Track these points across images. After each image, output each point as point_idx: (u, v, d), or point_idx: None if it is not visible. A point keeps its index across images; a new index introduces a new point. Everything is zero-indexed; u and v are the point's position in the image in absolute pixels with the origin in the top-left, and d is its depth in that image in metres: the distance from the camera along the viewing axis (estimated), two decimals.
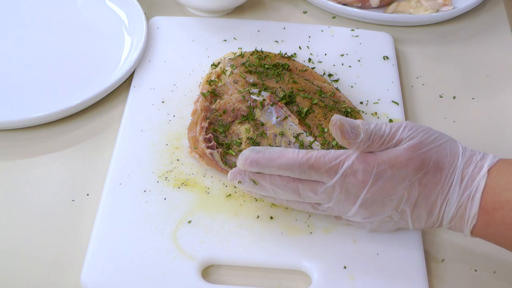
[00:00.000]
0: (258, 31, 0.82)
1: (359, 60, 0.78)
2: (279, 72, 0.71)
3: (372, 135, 0.54)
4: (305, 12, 0.89)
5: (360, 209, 0.56)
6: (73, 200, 0.63)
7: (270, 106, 0.66)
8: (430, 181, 0.54)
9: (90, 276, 0.55)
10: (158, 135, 0.68)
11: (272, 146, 0.65)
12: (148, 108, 0.70)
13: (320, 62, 0.78)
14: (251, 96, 0.67)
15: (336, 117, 0.54)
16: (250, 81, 0.69)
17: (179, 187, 0.63)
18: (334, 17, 0.88)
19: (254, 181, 0.57)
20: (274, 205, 0.62)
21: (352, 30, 0.83)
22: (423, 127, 0.56)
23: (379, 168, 0.54)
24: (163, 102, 0.71)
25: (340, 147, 0.63)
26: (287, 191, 0.57)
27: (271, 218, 0.61)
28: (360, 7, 0.87)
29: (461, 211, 0.54)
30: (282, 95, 0.68)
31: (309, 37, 0.82)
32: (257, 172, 0.57)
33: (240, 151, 0.64)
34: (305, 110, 0.67)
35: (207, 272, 0.58)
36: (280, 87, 0.69)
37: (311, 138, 0.64)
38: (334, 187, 0.55)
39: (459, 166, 0.54)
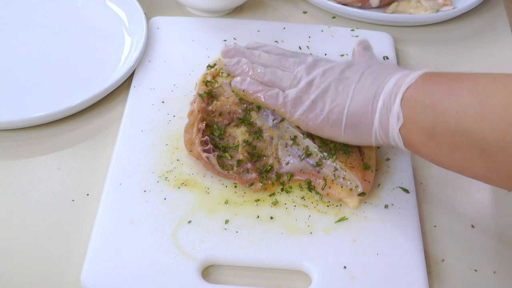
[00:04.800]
0: (258, 31, 0.82)
1: None
2: None
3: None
4: (305, 12, 0.89)
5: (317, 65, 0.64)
6: (73, 200, 0.63)
7: (266, 109, 0.66)
8: (382, 66, 0.62)
9: (90, 276, 0.55)
10: (158, 135, 0.68)
11: (269, 149, 0.65)
12: (148, 108, 0.70)
13: None
14: None
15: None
16: None
17: (179, 187, 0.63)
18: (334, 17, 0.88)
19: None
20: (274, 205, 0.62)
21: (352, 30, 0.83)
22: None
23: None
24: (163, 102, 0.71)
25: (338, 148, 0.63)
26: (271, 57, 0.67)
27: (271, 218, 0.61)
28: (360, 7, 0.87)
29: (403, 77, 0.58)
30: None
31: (309, 37, 0.82)
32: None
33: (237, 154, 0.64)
34: None
35: (207, 272, 0.58)
36: None
37: (308, 140, 0.64)
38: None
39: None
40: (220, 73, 0.71)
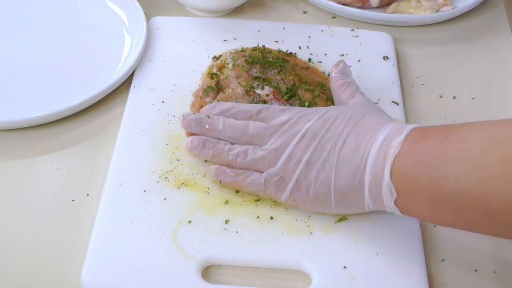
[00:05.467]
0: (258, 31, 0.82)
1: (359, 60, 0.78)
2: (282, 65, 0.71)
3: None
4: (305, 12, 0.89)
5: (300, 141, 0.58)
6: (73, 200, 0.63)
7: (272, 102, 0.66)
8: (364, 123, 0.58)
9: (90, 276, 0.55)
10: (158, 135, 0.68)
11: None
12: (148, 108, 0.70)
13: (320, 62, 0.78)
14: (254, 90, 0.67)
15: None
16: (253, 74, 0.69)
17: (179, 187, 0.63)
18: (334, 17, 0.88)
19: (208, 115, 0.63)
20: (274, 205, 0.62)
21: (352, 30, 0.83)
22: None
23: (329, 109, 0.60)
24: (163, 102, 0.71)
25: None
26: (236, 125, 0.61)
27: (271, 218, 0.61)
28: (360, 7, 0.87)
29: (386, 144, 0.54)
30: (285, 90, 0.67)
31: (309, 37, 0.82)
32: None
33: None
34: (307, 104, 0.66)
35: (207, 272, 0.58)
36: (281, 79, 0.69)
37: None
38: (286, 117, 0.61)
39: (390, 122, 0.58)
40: (226, 65, 0.71)
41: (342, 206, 0.58)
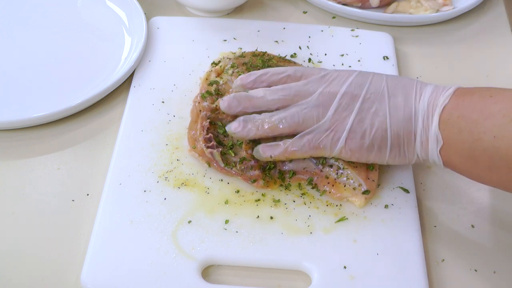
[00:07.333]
0: (258, 31, 0.82)
1: (359, 60, 0.78)
2: None
3: None
4: (305, 12, 0.89)
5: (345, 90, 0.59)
6: (73, 200, 0.63)
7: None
8: (401, 79, 0.61)
9: (90, 276, 0.55)
10: (158, 135, 0.68)
11: None
12: (148, 108, 0.70)
13: (320, 62, 0.78)
14: None
15: None
16: None
17: (179, 187, 0.63)
18: (334, 17, 0.88)
19: (246, 90, 0.62)
20: (274, 205, 0.62)
21: (352, 30, 0.83)
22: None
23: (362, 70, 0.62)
24: (163, 102, 0.71)
25: None
26: (278, 88, 0.61)
27: (271, 218, 0.61)
28: (360, 7, 0.87)
29: (435, 97, 0.57)
30: None
31: (309, 37, 0.82)
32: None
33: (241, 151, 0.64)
34: None
35: (207, 272, 0.58)
36: None
37: None
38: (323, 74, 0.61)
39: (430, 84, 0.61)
40: (225, 70, 0.71)
41: (395, 152, 0.59)
